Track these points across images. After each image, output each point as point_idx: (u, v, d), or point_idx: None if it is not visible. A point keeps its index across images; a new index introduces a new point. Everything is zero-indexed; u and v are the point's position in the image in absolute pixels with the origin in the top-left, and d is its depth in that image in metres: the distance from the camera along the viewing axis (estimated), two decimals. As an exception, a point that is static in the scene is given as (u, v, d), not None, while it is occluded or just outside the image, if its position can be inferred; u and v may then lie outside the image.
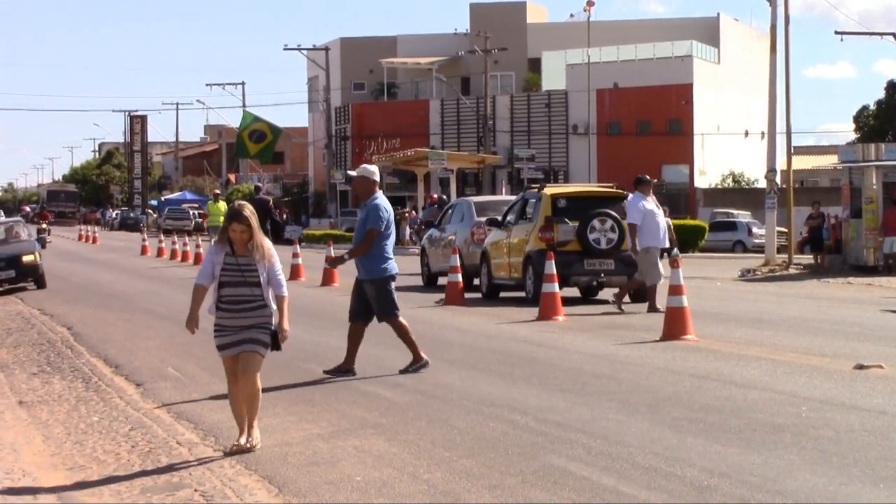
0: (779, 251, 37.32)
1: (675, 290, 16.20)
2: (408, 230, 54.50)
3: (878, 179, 33.08)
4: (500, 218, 24.67)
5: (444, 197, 45.48)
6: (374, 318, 13.75)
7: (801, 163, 59.23)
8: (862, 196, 33.21)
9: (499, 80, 78.09)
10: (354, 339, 13.57)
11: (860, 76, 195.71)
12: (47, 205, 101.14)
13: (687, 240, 47.10)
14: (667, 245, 20.59)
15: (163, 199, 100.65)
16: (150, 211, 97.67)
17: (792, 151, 38.64)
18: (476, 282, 25.33)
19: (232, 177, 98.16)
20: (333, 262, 13.78)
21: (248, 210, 9.58)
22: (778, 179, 37.34)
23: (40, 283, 29.72)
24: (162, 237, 50.52)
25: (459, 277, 22.85)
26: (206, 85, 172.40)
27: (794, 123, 51.59)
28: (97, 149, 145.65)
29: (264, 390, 12.50)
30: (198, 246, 40.65)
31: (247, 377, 9.55)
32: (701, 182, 70.02)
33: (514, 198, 28.41)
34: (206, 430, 10.75)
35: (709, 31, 75.11)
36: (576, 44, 72.41)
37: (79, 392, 13.64)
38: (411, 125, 76.20)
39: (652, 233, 20.09)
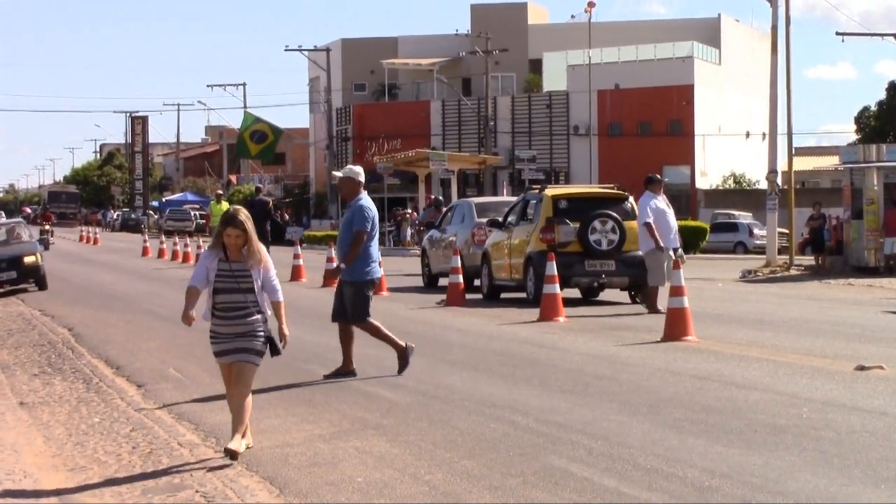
0: (780, 252, 37.32)
1: (676, 292, 16.21)
2: (409, 231, 54.52)
3: (880, 180, 33.07)
4: (500, 219, 24.67)
5: (440, 198, 45.43)
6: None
7: (802, 164, 59.25)
8: (863, 197, 33.21)
9: (500, 81, 78.08)
10: (346, 340, 13.53)
11: (861, 77, 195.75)
12: (49, 206, 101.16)
13: (688, 241, 47.00)
14: (677, 245, 20.52)
15: (164, 200, 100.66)
16: (151, 212, 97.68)
17: (793, 152, 38.66)
18: (476, 283, 25.33)
19: (233, 178, 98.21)
20: (333, 274, 13.65)
21: (244, 215, 9.47)
22: (779, 180, 37.36)
23: (41, 285, 29.68)
24: (163, 238, 50.52)
25: (460, 278, 22.85)
26: (207, 86, 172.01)
27: (796, 124, 51.80)
28: (98, 150, 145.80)
29: (266, 391, 12.55)
30: (199, 247, 40.65)
31: (239, 387, 9.42)
32: (702, 183, 70.01)
33: (514, 199, 28.41)
34: (208, 430, 10.75)
35: (710, 32, 75.11)
36: (577, 45, 72.41)
37: (80, 393, 13.64)
38: (412, 126, 76.20)
39: (662, 233, 20.06)
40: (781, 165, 37.99)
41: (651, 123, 70.92)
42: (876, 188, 33.03)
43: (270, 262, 9.61)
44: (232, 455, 9.21)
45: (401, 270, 33.44)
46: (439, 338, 17.39)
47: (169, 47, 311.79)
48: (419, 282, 29.03)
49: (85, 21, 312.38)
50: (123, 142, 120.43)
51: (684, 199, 67.75)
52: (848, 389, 11.69)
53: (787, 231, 38.29)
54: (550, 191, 23.54)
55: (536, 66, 78.37)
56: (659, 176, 21.31)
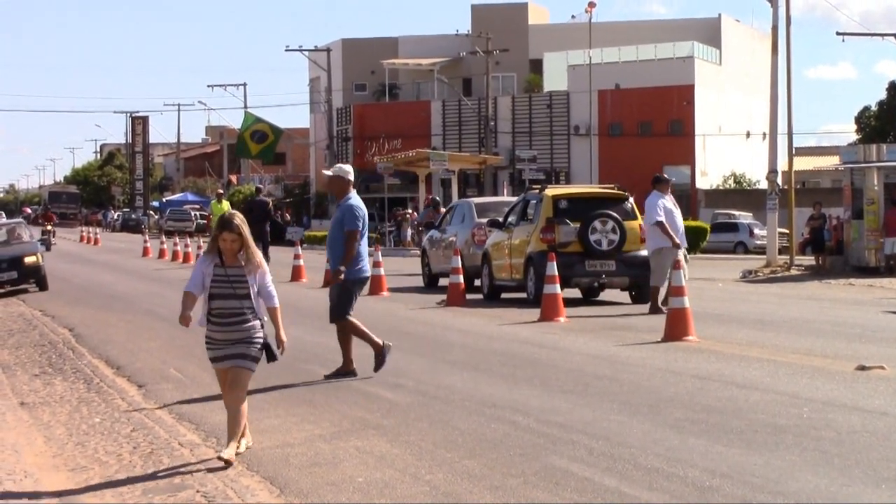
0: (780, 252, 37.32)
1: (676, 292, 16.21)
2: (409, 231, 54.52)
3: (880, 180, 33.07)
4: (501, 219, 24.67)
5: (437, 198, 45.45)
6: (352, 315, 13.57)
7: (802, 164, 59.20)
8: (863, 197, 33.21)
9: (500, 82, 78.09)
10: (345, 341, 13.50)
11: (861, 77, 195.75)
12: (49, 206, 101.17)
13: (689, 241, 46.93)
14: (685, 245, 20.48)
15: (164, 200, 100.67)
16: (151, 212, 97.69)
17: (793, 152, 38.66)
18: (476, 283, 25.34)
19: (233, 178, 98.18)
20: (334, 278, 13.50)
21: (239, 219, 9.33)
22: (779, 180, 37.36)
23: (42, 285, 29.62)
24: (163, 238, 50.53)
25: (461, 279, 22.85)
26: (208, 86, 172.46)
27: (796, 124, 51.79)
28: (98, 150, 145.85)
29: (266, 391, 12.56)
30: (199, 247, 40.66)
31: (234, 393, 9.33)
32: (702, 183, 70.02)
33: (514, 199, 28.42)
34: (208, 431, 10.75)
35: (710, 32, 75.13)
36: (577, 45, 72.42)
37: (80, 393, 13.64)
38: (413, 126, 76.22)
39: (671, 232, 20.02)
40: (782, 165, 38.00)
41: (651, 123, 70.93)
42: (876, 188, 33.03)
43: (266, 266, 9.51)
44: (226, 463, 9.15)
45: (401, 270, 33.44)
46: (440, 338, 17.39)
47: (169, 47, 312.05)
48: (419, 282, 29.03)
49: (85, 21, 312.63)
50: (124, 142, 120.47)
51: (685, 199, 67.67)
52: (848, 389, 11.69)
53: (787, 231, 38.28)
54: (551, 191, 23.54)
55: (537, 66, 78.38)
56: (667, 176, 21.31)
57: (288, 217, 74.01)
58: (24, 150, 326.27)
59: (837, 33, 48.82)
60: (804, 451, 8.93)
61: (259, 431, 10.44)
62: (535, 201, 23.18)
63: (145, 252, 48.68)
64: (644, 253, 22.25)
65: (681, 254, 19.78)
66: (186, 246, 42.62)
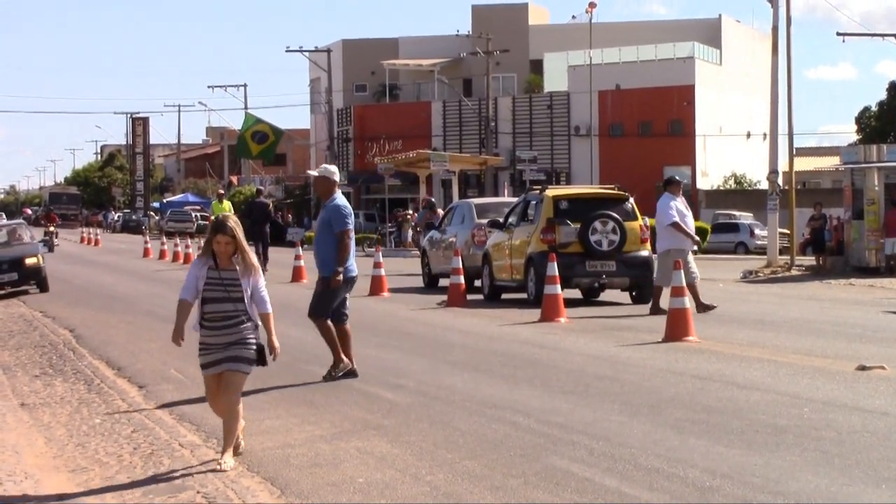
0: (781, 253, 37.32)
1: (677, 292, 16.22)
2: (410, 232, 54.50)
3: (880, 181, 33.07)
4: (501, 220, 24.68)
5: (433, 199, 45.49)
6: (345, 318, 13.45)
7: (802, 164, 59.05)
8: (864, 197, 33.21)
9: (500, 82, 78.11)
10: (343, 341, 13.46)
11: (862, 77, 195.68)
12: (48, 207, 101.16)
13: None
14: (694, 248, 20.49)
15: (165, 201, 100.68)
16: (152, 213, 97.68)
17: (794, 153, 38.62)
18: (477, 283, 25.34)
19: (234, 179, 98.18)
20: (333, 280, 13.38)
21: (233, 221, 9.23)
22: (780, 181, 37.35)
23: (43, 287, 29.52)
24: (164, 239, 50.50)
25: (461, 279, 22.85)
26: (208, 87, 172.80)
27: (796, 125, 51.58)
28: (99, 151, 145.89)
29: (267, 391, 12.56)
30: (199, 248, 40.60)
31: (227, 396, 9.23)
32: (703, 183, 70.02)
33: (514, 199, 28.42)
34: (209, 431, 10.75)
35: (710, 33, 75.14)
36: (577, 45, 72.44)
37: (81, 394, 13.65)
38: (413, 127, 76.24)
39: (678, 235, 20.01)
40: (782, 166, 37.99)
41: (652, 124, 70.94)
42: (877, 188, 33.03)
43: (260, 270, 9.38)
44: (223, 470, 9.11)
45: (401, 271, 33.44)
46: (440, 339, 17.40)
47: (169, 48, 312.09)
48: (419, 282, 29.04)
49: (85, 22, 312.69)
50: (124, 143, 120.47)
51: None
52: (849, 389, 11.69)
53: (787, 231, 38.28)
54: (551, 191, 23.54)
55: (537, 66, 78.40)
56: (678, 178, 21.35)
57: (290, 217, 74.01)
58: (25, 151, 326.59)
59: (838, 34, 48.82)
60: (805, 451, 8.93)
61: (259, 432, 10.44)
62: (535, 202, 23.18)
63: (146, 253, 48.68)
64: (644, 253, 22.31)
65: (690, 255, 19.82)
66: (187, 247, 42.61)
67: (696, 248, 20.72)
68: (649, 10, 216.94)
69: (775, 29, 37.19)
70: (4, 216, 61.25)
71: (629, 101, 70.87)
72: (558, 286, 19.23)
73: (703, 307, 19.62)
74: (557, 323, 18.64)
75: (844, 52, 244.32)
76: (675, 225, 19.89)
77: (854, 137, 71.79)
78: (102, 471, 9.55)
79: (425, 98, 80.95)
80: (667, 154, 69.07)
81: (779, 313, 20.67)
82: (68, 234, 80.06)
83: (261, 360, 9.34)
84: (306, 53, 79.60)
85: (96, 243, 63.40)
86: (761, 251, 45.68)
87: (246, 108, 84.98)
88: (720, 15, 77.11)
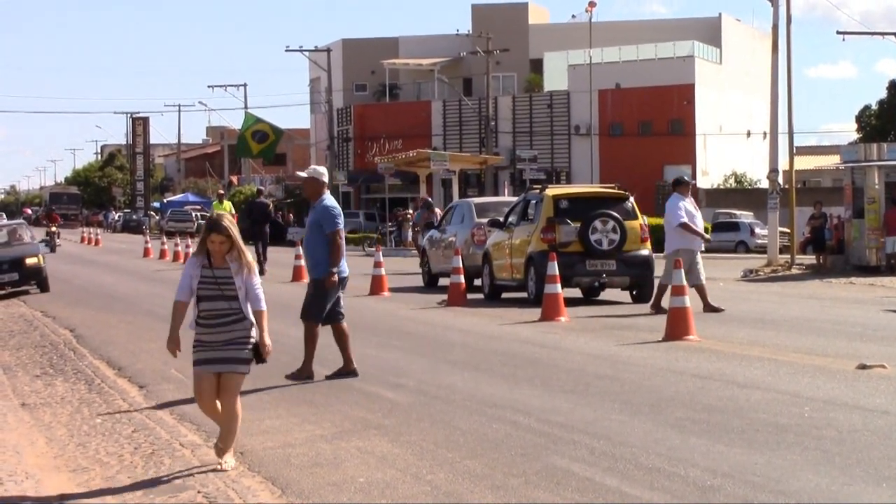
0: (781, 251, 37.31)
1: (677, 291, 16.22)
2: (410, 232, 54.51)
3: (881, 179, 33.07)
4: (501, 219, 24.68)
5: (429, 199, 45.54)
6: (341, 317, 13.41)
7: (803, 163, 59.07)
8: (864, 196, 33.20)
9: (500, 81, 78.12)
10: (342, 341, 13.45)
11: (862, 76, 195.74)
12: (49, 207, 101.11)
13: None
14: (703, 248, 20.46)
15: (165, 200, 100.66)
16: (152, 213, 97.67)
17: (794, 151, 38.61)
18: (476, 283, 25.35)
19: (234, 178, 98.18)
20: (328, 284, 13.32)
21: (227, 220, 9.16)
22: (780, 180, 37.34)
23: (43, 287, 29.44)
24: (164, 239, 50.51)
25: (462, 279, 22.85)
26: (208, 86, 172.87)
27: (796, 123, 51.49)
28: (99, 151, 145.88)
29: (267, 391, 12.56)
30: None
31: (227, 398, 9.19)
32: (703, 182, 69.98)
33: (514, 199, 28.41)
34: (209, 431, 10.74)
35: (710, 32, 75.14)
36: (577, 44, 72.44)
37: (81, 394, 13.65)
38: (413, 126, 76.24)
39: (687, 235, 20.00)
40: (782, 165, 37.99)
41: (652, 123, 70.94)
42: (877, 187, 33.03)
43: (255, 269, 9.28)
44: (223, 470, 9.09)
45: (401, 270, 33.44)
46: (441, 338, 17.40)
47: (169, 48, 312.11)
48: (419, 282, 29.05)
49: (85, 22, 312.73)
50: (124, 143, 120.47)
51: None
52: (850, 388, 11.70)
53: (788, 230, 38.28)
54: (551, 191, 23.55)
55: (537, 65, 78.40)
56: (687, 178, 21.36)
57: (290, 217, 74.00)
58: (25, 151, 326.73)
59: (838, 32, 48.71)
60: (805, 450, 8.93)
61: (260, 432, 10.45)
62: (535, 201, 23.18)
63: (146, 253, 48.69)
64: (644, 252, 22.33)
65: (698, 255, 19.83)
66: (188, 247, 42.56)
67: (702, 248, 20.68)
68: (649, 9, 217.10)
69: (775, 28, 37.19)
70: (4, 216, 61.24)
71: (629, 101, 70.87)
72: (558, 285, 19.23)
73: (710, 308, 19.62)
74: (558, 322, 18.64)
75: (844, 51, 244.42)
76: (684, 225, 19.89)
77: (854, 136, 71.81)
78: (103, 471, 9.55)
79: (425, 97, 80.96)
80: (667, 153, 69.09)
81: (779, 312, 20.67)
82: (69, 233, 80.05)
83: (259, 358, 9.26)
84: (306, 53, 79.63)
85: (97, 243, 63.40)
86: (762, 250, 45.68)
87: (246, 107, 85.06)
88: (720, 14, 77.15)
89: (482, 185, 70.03)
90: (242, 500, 8.29)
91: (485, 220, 26.57)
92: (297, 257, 32.01)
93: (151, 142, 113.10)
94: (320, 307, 13.26)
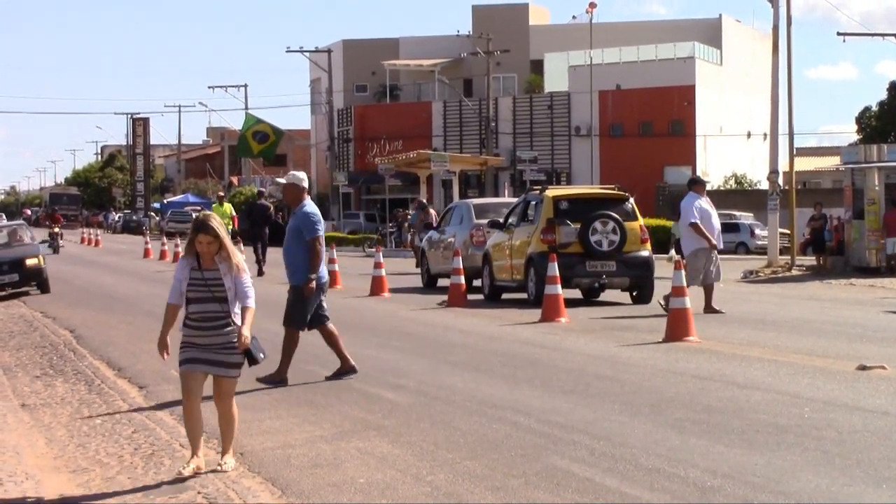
0: (781, 253, 37.29)
1: (677, 292, 16.22)
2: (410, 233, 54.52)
3: (881, 180, 33.06)
4: (501, 220, 24.69)
5: (424, 200, 45.60)
6: (326, 319, 13.33)
7: (803, 164, 59.13)
8: (864, 197, 33.20)
9: (501, 82, 78.15)
10: (332, 342, 13.40)
11: (862, 77, 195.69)
12: (49, 208, 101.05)
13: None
14: (721, 246, 20.42)
15: (165, 201, 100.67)
16: (152, 214, 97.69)
17: (794, 153, 38.62)
18: (475, 283, 25.35)
19: (234, 179, 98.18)
20: (307, 291, 13.27)
21: (216, 221, 9.04)
22: (780, 181, 37.33)
23: (44, 288, 29.39)
24: (164, 240, 50.49)
25: (462, 279, 22.85)
26: (209, 87, 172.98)
27: (797, 125, 51.51)
28: (99, 151, 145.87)
29: (267, 392, 12.56)
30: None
31: (223, 401, 9.16)
32: (703, 183, 69.93)
33: (513, 200, 28.41)
34: (210, 432, 10.72)
35: (711, 33, 75.16)
36: (578, 45, 72.46)
37: (82, 395, 13.65)
38: (414, 127, 76.26)
39: (707, 233, 19.99)
40: (782, 166, 37.99)
41: (652, 124, 70.96)
42: (877, 188, 33.03)
43: (245, 268, 9.16)
44: (224, 471, 9.06)
45: (400, 271, 33.44)
46: (441, 339, 17.40)
47: (170, 48, 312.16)
48: (419, 282, 29.05)
49: (85, 22, 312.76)
50: (125, 143, 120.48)
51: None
52: (850, 389, 11.70)
53: (788, 231, 38.27)
54: (551, 191, 23.55)
55: (538, 66, 78.42)
56: (702, 177, 21.33)
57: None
58: (25, 151, 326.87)
59: (838, 33, 48.81)
60: (805, 450, 8.93)
61: (260, 432, 10.45)
62: (535, 202, 23.19)
63: (146, 253, 48.69)
64: (644, 253, 22.34)
65: (714, 254, 19.80)
66: (187, 247, 42.56)
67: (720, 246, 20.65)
68: (649, 10, 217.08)
69: (775, 29, 37.19)
70: (4, 217, 61.23)
71: (629, 102, 70.89)
72: (559, 286, 19.23)
73: (711, 310, 19.62)
74: (558, 323, 18.64)
75: (845, 52, 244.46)
76: (694, 226, 19.88)
77: (854, 137, 71.79)
78: (103, 471, 9.55)
79: (426, 98, 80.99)
80: (667, 154, 69.10)
81: (779, 313, 20.67)
82: (69, 234, 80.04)
83: (251, 359, 9.17)
84: (307, 54, 79.65)
85: (97, 244, 63.43)
86: (762, 251, 45.65)
87: (246, 108, 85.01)
88: (720, 15, 77.20)
89: (482, 185, 70.03)
90: (242, 500, 8.30)
91: (483, 221, 26.59)
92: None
93: (152, 142, 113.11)
94: (302, 313, 13.22)
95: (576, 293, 23.14)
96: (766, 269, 34.38)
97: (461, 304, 22.44)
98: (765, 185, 44.94)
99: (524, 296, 22.85)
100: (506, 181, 68.00)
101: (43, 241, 38.56)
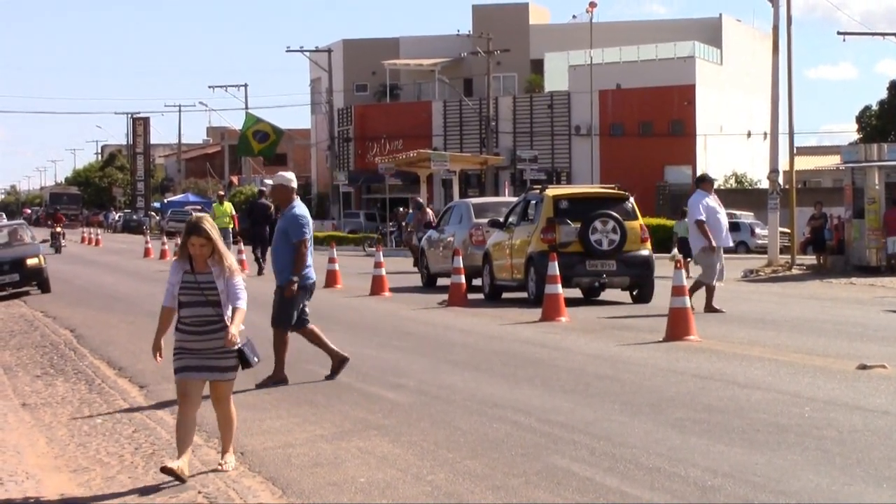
0: (782, 252, 37.29)
1: (677, 291, 16.21)
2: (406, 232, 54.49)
3: (881, 180, 33.06)
4: (501, 219, 24.69)
5: (420, 200, 45.65)
6: (306, 321, 13.35)
7: (803, 163, 59.09)
8: (864, 196, 33.19)
9: (501, 82, 78.14)
10: (315, 340, 13.39)
11: (862, 77, 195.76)
12: (50, 207, 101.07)
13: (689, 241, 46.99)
14: (730, 244, 20.38)
15: (165, 201, 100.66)
16: (152, 213, 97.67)
17: (794, 152, 38.60)
18: (475, 282, 25.35)
19: (235, 179, 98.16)
20: (287, 292, 13.25)
21: (208, 223, 8.96)
22: (780, 180, 37.33)
23: (44, 288, 29.36)
24: (165, 239, 50.49)
25: (462, 279, 22.85)
26: (209, 87, 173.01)
27: (797, 124, 51.52)
28: (100, 151, 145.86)
29: (268, 391, 12.57)
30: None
31: (221, 405, 9.13)
32: (703, 183, 69.94)
33: (513, 199, 28.40)
34: (210, 431, 10.74)
35: (711, 32, 75.14)
36: (578, 45, 72.44)
37: (82, 394, 13.66)
38: (414, 127, 76.26)
39: (714, 232, 20.02)
40: (783, 165, 37.98)
41: (652, 123, 70.95)
42: (877, 187, 33.02)
43: (238, 271, 9.04)
44: (224, 471, 9.06)
45: (400, 270, 33.43)
46: (441, 338, 17.40)
47: (170, 48, 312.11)
48: (418, 281, 29.05)
49: (85, 22, 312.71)
50: (125, 143, 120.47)
51: (686, 200, 67.68)
52: (850, 388, 11.70)
53: (788, 230, 38.27)
54: (551, 191, 23.55)
55: (538, 66, 78.41)
56: (710, 175, 21.39)
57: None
58: (25, 151, 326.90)
59: (838, 33, 48.81)
60: (806, 450, 8.93)
61: (261, 432, 10.45)
62: (535, 201, 23.19)
63: (147, 253, 48.69)
64: (645, 253, 22.36)
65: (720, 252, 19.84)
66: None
67: (729, 243, 20.69)
68: (649, 9, 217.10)
69: (776, 28, 37.18)
70: (5, 216, 61.23)
71: (630, 101, 70.87)
72: (559, 285, 19.24)
73: (711, 309, 19.63)
74: (558, 322, 18.64)
75: (845, 52, 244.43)
76: (698, 224, 19.89)
77: (855, 136, 71.81)
78: (104, 471, 9.56)
79: (426, 98, 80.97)
80: (667, 154, 69.10)
81: (779, 312, 20.67)
82: (69, 234, 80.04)
83: (245, 363, 9.10)
84: (307, 53, 79.68)
85: (97, 243, 63.45)
86: (762, 250, 45.65)
87: (246, 108, 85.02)
88: (720, 14, 77.15)
89: (482, 185, 70.03)
90: (243, 500, 8.30)
91: (483, 221, 26.59)
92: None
93: (152, 142, 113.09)
94: (289, 313, 13.22)
95: (576, 292, 23.13)
96: (767, 268, 34.38)
97: (461, 303, 22.45)
98: (765, 185, 44.96)
99: (524, 295, 22.85)
100: (506, 180, 67.98)
101: (45, 241, 38.54)
